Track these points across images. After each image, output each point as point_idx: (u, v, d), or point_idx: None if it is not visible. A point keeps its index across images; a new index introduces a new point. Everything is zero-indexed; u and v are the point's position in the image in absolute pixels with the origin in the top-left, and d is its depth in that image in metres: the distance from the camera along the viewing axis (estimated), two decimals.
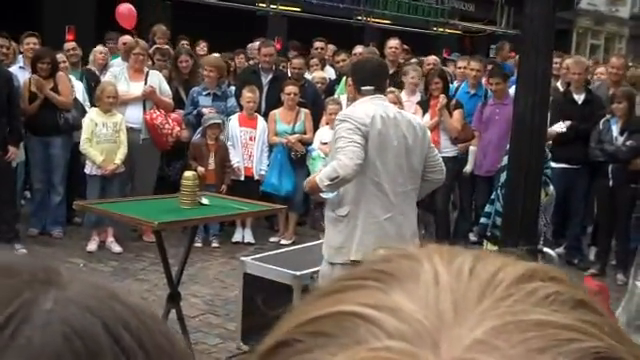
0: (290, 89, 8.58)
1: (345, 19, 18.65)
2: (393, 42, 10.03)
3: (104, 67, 9.54)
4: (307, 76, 9.81)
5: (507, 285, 0.46)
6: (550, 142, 7.18)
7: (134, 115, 8.22)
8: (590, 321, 0.45)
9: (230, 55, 10.84)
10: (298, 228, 8.92)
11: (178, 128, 8.44)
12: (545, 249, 5.64)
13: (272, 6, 17.73)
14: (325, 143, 7.61)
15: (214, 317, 6.22)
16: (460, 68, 10.13)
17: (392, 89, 7.75)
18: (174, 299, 5.26)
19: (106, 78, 8.57)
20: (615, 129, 7.82)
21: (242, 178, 8.45)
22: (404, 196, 4.60)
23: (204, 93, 8.62)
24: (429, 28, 21.14)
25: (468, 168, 8.67)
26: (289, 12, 18.34)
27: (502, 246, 5.05)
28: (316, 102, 9.08)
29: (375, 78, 4.73)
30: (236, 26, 14.12)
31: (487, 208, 6.79)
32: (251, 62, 10.62)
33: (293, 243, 7.90)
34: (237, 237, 8.57)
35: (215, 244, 8.38)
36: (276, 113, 8.66)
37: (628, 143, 7.68)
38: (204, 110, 8.43)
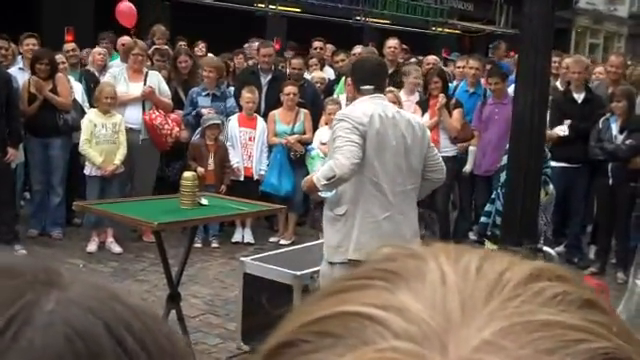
0: (289, 89, 8.58)
1: (344, 19, 18.65)
2: (392, 42, 10.03)
3: (103, 68, 9.54)
4: (306, 76, 9.81)
5: (514, 285, 0.46)
6: (550, 142, 7.19)
7: (133, 116, 8.21)
8: (598, 321, 0.45)
9: (229, 55, 10.84)
10: (298, 228, 8.92)
11: (177, 128, 8.44)
12: (545, 248, 5.63)
13: (271, 6, 17.73)
14: (324, 143, 7.61)
15: (214, 317, 6.22)
16: (459, 67, 10.13)
17: (391, 89, 7.75)
18: (174, 299, 5.26)
19: (105, 79, 8.57)
20: (615, 128, 7.82)
21: (242, 178, 8.45)
22: (403, 196, 4.60)
23: (203, 93, 8.62)
24: (428, 28, 21.15)
25: (467, 168, 8.67)
26: (288, 12, 18.34)
27: (502, 245, 5.05)
28: (315, 102, 9.08)
29: (374, 77, 4.73)
30: (235, 26, 14.12)
31: (487, 207, 6.79)
32: (250, 62, 10.62)
33: (293, 243, 7.90)
34: (237, 237, 8.57)
35: (215, 244, 8.38)
36: (275, 113, 8.66)
37: (628, 142, 7.68)
38: (203, 111, 8.43)
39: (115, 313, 0.54)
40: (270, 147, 8.64)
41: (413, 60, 11.26)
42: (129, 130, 8.02)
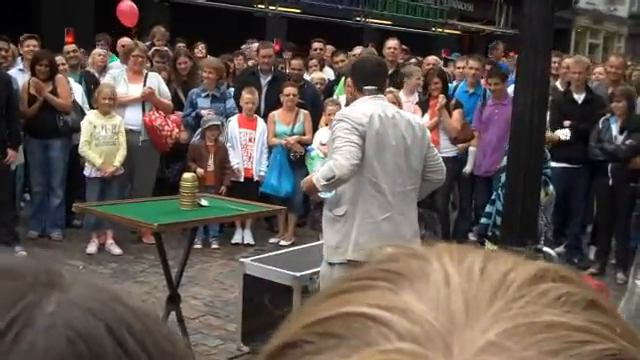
0: (289, 90, 8.58)
1: (344, 20, 18.66)
2: (392, 42, 10.03)
3: (103, 69, 9.54)
4: (306, 77, 9.81)
5: (518, 286, 0.46)
6: (550, 143, 7.19)
7: (133, 117, 8.21)
8: (602, 322, 0.45)
9: (229, 56, 10.85)
10: (298, 229, 8.92)
11: (177, 130, 8.44)
12: (545, 248, 5.63)
13: (271, 7, 17.74)
14: (324, 144, 7.61)
15: (214, 318, 6.21)
16: (459, 68, 10.13)
17: (391, 89, 7.75)
18: (174, 301, 5.25)
19: (105, 80, 8.56)
20: (615, 128, 7.82)
21: (242, 179, 8.45)
22: (403, 196, 4.59)
23: (203, 95, 8.62)
24: (428, 28, 21.17)
25: (467, 168, 8.67)
26: (288, 13, 18.35)
27: (502, 245, 5.05)
28: (315, 103, 9.08)
29: (375, 77, 4.73)
30: (235, 27, 14.13)
31: (488, 208, 6.78)
32: (250, 63, 10.62)
33: (293, 244, 7.90)
34: (237, 238, 8.57)
35: (215, 245, 8.38)
36: (275, 114, 8.66)
37: (628, 142, 7.68)
38: (203, 112, 8.43)
39: (116, 314, 0.54)
40: (270, 148, 8.63)
41: (413, 61, 11.26)
42: (129, 131, 8.01)
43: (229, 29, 13.61)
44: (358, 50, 10.78)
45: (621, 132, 7.77)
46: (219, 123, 8.26)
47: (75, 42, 10.31)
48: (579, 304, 0.45)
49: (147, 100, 8.28)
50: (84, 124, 7.85)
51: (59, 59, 8.61)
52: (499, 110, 8.30)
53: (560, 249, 8.16)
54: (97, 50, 9.96)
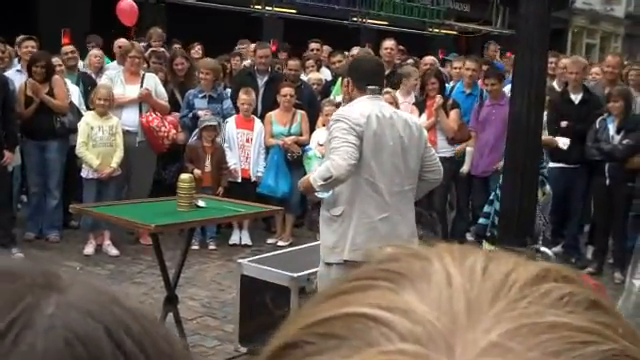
0: (286, 91, 8.58)
1: (341, 20, 18.67)
2: (389, 43, 10.04)
3: (100, 70, 9.53)
4: (303, 77, 9.81)
5: (521, 286, 0.45)
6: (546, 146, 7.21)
7: (130, 118, 8.20)
8: (604, 322, 0.45)
9: (226, 57, 10.84)
10: (295, 229, 8.92)
11: (174, 131, 8.43)
12: (542, 248, 5.64)
13: (267, 8, 17.73)
14: (322, 145, 7.61)
15: (212, 319, 6.21)
16: (455, 68, 10.13)
17: (388, 90, 7.75)
18: (171, 302, 5.25)
19: (102, 81, 8.56)
20: (612, 128, 7.82)
21: (239, 180, 8.45)
22: (400, 196, 4.59)
23: (200, 95, 8.61)
24: (425, 29, 21.17)
25: (465, 168, 8.67)
26: (284, 14, 18.35)
27: (500, 245, 5.06)
28: (312, 103, 9.08)
29: (375, 77, 4.73)
30: (231, 28, 14.11)
31: (486, 208, 6.79)
32: (246, 63, 10.61)
33: (290, 245, 7.90)
34: (234, 239, 8.57)
35: (212, 246, 8.37)
36: (272, 115, 8.66)
37: (625, 142, 7.69)
38: (200, 112, 8.43)
39: (114, 316, 0.54)
40: (267, 148, 8.63)
41: (410, 61, 11.26)
42: (126, 132, 8.01)
43: (226, 30, 13.60)
44: (356, 51, 10.79)
45: (618, 132, 7.78)
46: (215, 124, 8.25)
47: (72, 43, 10.30)
48: (581, 304, 0.45)
49: (144, 101, 8.27)
50: (81, 125, 7.84)
51: (55, 60, 8.60)
52: (496, 110, 8.31)
53: (558, 249, 8.18)
54: (93, 51, 9.95)
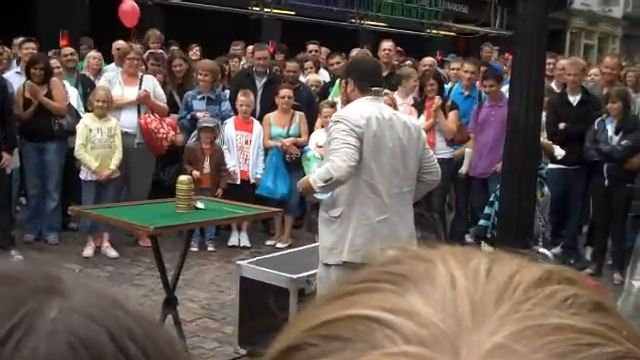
0: (284, 92, 8.58)
1: (339, 22, 18.67)
2: (387, 44, 10.04)
3: (98, 72, 9.53)
4: (301, 79, 9.81)
5: (525, 288, 0.45)
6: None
7: (129, 120, 8.20)
8: (609, 324, 0.45)
9: (224, 59, 10.85)
10: (294, 231, 8.92)
11: (173, 132, 8.43)
12: (541, 249, 5.64)
13: (266, 10, 17.73)
14: (321, 146, 7.61)
15: (211, 321, 6.21)
16: (453, 69, 10.13)
17: (387, 91, 7.75)
18: (170, 304, 5.25)
19: (100, 83, 8.56)
20: (610, 129, 7.82)
21: (238, 182, 8.44)
22: (399, 198, 4.59)
23: (198, 97, 8.61)
24: (423, 30, 21.18)
25: (463, 170, 8.67)
26: (283, 15, 18.35)
27: (500, 247, 5.06)
28: (311, 105, 9.08)
29: (376, 77, 4.74)
30: (230, 30, 14.11)
31: (486, 210, 6.79)
32: (243, 63, 10.61)
33: (289, 246, 7.90)
34: (233, 241, 8.56)
35: (211, 248, 8.37)
36: (270, 117, 8.66)
37: (623, 142, 7.69)
38: (198, 114, 8.42)
39: (117, 320, 0.54)
40: (266, 150, 8.63)
41: (408, 62, 11.26)
42: (124, 134, 8.01)
43: (224, 32, 13.60)
44: (355, 52, 10.78)
45: (617, 133, 7.78)
46: (212, 125, 8.25)
47: (70, 45, 10.30)
48: (585, 306, 0.45)
49: (142, 103, 8.27)
50: (79, 127, 7.84)
51: (54, 62, 8.59)
52: (495, 111, 8.31)
53: (557, 250, 8.18)
54: (92, 53, 9.94)
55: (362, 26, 19.54)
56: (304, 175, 6.81)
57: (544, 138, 7.28)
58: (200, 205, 5.52)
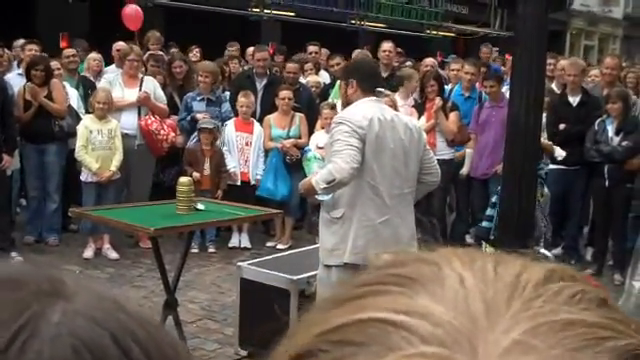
0: (284, 94, 8.57)
1: (339, 23, 18.66)
2: (387, 45, 10.03)
3: (98, 74, 9.53)
4: (301, 80, 9.80)
5: (533, 286, 0.46)
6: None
7: (129, 121, 8.20)
8: (617, 319, 0.45)
9: (224, 60, 10.85)
10: (294, 232, 8.92)
11: (173, 134, 8.43)
12: (542, 250, 5.64)
13: (265, 11, 17.72)
14: (321, 147, 7.60)
15: (212, 322, 6.21)
16: (454, 70, 10.13)
17: (388, 92, 7.75)
18: (171, 305, 5.25)
19: (101, 84, 8.56)
20: (610, 129, 7.82)
21: (238, 183, 8.44)
22: (400, 199, 4.59)
23: (198, 98, 8.61)
24: (423, 31, 21.16)
25: (464, 170, 8.67)
26: (282, 17, 18.34)
27: (500, 247, 5.06)
28: (311, 106, 9.07)
29: (377, 78, 4.74)
30: (229, 32, 14.12)
31: (489, 211, 6.78)
32: (243, 64, 10.60)
33: (290, 247, 7.90)
34: (234, 242, 8.56)
35: (212, 249, 8.37)
36: (270, 118, 8.65)
37: (624, 143, 7.69)
38: (198, 115, 8.43)
39: (120, 323, 0.54)
40: (266, 152, 8.63)
41: (408, 63, 11.26)
42: (125, 136, 8.01)
43: (224, 33, 13.60)
44: (356, 53, 10.78)
45: (617, 133, 7.78)
46: (211, 126, 8.24)
47: (70, 46, 10.29)
48: (593, 301, 0.46)
49: (143, 104, 8.27)
50: (80, 129, 7.84)
51: (54, 64, 8.59)
52: (496, 112, 8.31)
53: (557, 250, 8.18)
54: (92, 55, 9.95)
55: (362, 27, 19.52)
56: (304, 176, 6.81)
57: (544, 139, 7.27)
58: (200, 206, 5.52)
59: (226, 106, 8.75)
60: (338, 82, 9.02)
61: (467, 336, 0.42)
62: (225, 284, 7.04)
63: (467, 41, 22.57)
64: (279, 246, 8.42)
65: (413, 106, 8.73)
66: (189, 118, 8.52)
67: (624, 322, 0.45)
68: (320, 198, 4.69)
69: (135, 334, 0.54)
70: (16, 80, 8.34)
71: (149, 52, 9.84)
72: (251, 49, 10.72)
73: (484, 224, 6.77)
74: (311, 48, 11.59)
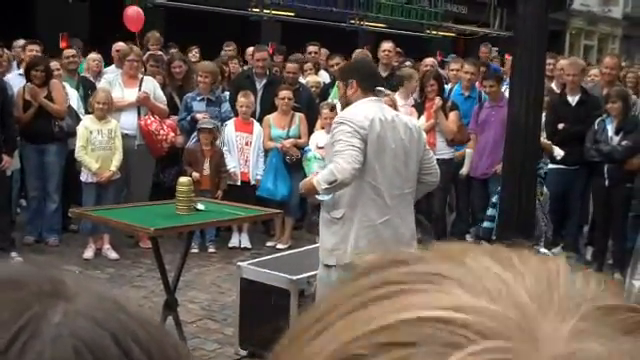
0: (284, 94, 8.57)
1: (338, 23, 18.66)
2: (386, 45, 10.03)
3: (98, 74, 9.53)
4: (301, 80, 9.80)
5: (564, 274, 0.46)
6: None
7: (129, 121, 8.20)
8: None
9: (224, 60, 10.85)
10: (294, 232, 8.92)
11: (173, 134, 8.43)
12: (542, 249, 5.64)
13: (265, 11, 17.72)
14: (321, 147, 7.60)
15: (212, 322, 6.21)
16: (453, 70, 10.13)
17: (388, 92, 7.75)
18: (171, 305, 5.25)
19: (100, 85, 8.56)
20: (610, 129, 7.82)
21: (238, 183, 8.44)
22: (401, 199, 4.59)
23: (198, 99, 8.61)
24: (422, 31, 21.17)
25: (464, 170, 8.67)
26: (282, 17, 18.34)
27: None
28: (310, 106, 9.07)
29: (378, 78, 4.73)
30: (229, 32, 14.12)
31: (490, 212, 6.78)
32: (244, 65, 10.61)
33: (289, 247, 7.89)
34: (233, 242, 8.56)
35: (212, 249, 8.37)
36: (270, 118, 8.65)
37: (624, 143, 7.69)
38: (198, 116, 8.43)
39: (121, 323, 0.54)
40: (266, 152, 8.63)
41: (408, 63, 11.25)
42: (124, 136, 8.01)
43: (223, 33, 13.61)
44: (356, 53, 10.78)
45: (617, 133, 7.78)
46: (211, 127, 8.24)
47: (70, 47, 10.29)
48: (613, 287, 0.47)
49: (142, 104, 8.27)
50: (80, 129, 7.84)
51: (54, 64, 8.59)
52: (495, 112, 8.32)
53: (557, 250, 8.18)
54: (92, 55, 9.95)
55: (362, 27, 19.52)
56: (304, 176, 6.81)
57: (544, 138, 7.28)
58: (200, 206, 5.52)
59: (226, 106, 8.75)
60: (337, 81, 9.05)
61: (523, 327, 0.42)
62: (225, 284, 7.05)
63: (467, 41, 22.57)
64: (279, 246, 8.42)
65: (413, 106, 8.73)
66: (189, 118, 8.52)
67: None
68: (320, 198, 4.69)
69: (136, 334, 0.54)
70: (16, 80, 8.33)
71: (149, 52, 9.84)
72: (251, 49, 10.72)
73: (486, 224, 6.77)
74: (311, 48, 11.59)
